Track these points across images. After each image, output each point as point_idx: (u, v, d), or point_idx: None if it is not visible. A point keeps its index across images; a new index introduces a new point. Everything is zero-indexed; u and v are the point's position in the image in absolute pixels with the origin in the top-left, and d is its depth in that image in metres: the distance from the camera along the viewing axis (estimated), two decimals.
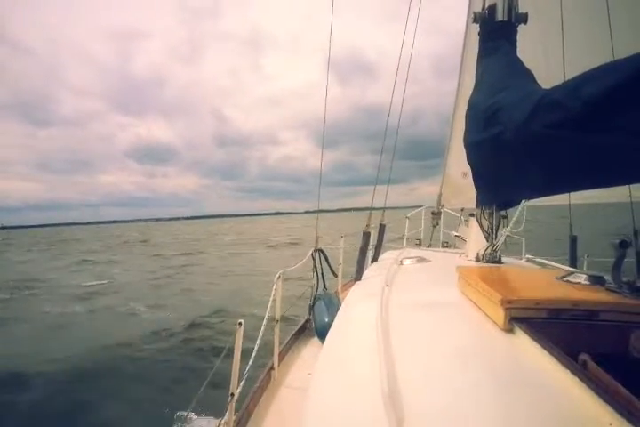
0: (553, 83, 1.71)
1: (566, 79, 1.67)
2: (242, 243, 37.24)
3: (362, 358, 1.32)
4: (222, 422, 1.95)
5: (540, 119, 1.49)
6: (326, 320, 3.42)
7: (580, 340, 1.18)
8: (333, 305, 3.62)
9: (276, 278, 2.80)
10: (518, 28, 2.62)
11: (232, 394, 1.96)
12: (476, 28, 2.81)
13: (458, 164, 5.03)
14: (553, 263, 2.85)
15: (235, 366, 1.97)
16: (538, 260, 3.09)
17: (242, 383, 2.10)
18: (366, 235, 3.21)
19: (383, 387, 1.01)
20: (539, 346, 1.12)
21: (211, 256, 25.98)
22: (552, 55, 2.97)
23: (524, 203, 2.04)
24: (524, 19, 2.61)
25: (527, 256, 3.31)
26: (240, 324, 2.01)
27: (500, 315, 1.33)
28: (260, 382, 2.71)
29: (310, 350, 3.51)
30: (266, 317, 2.40)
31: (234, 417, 2.02)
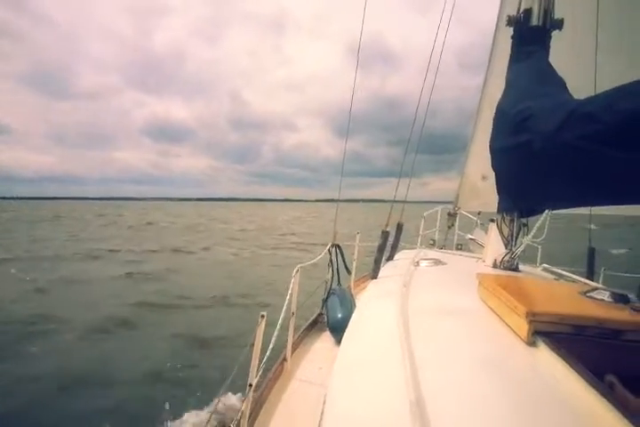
0: (583, 93, 1.69)
1: (597, 91, 1.64)
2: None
3: (384, 361, 1.32)
4: (241, 410, 1.98)
5: (573, 130, 1.48)
6: (339, 315, 3.47)
7: (605, 359, 1.15)
8: (347, 301, 3.66)
9: (294, 272, 2.84)
10: (552, 34, 2.59)
11: (250, 385, 1.99)
12: (506, 30, 2.77)
13: (478, 166, 4.99)
14: (570, 275, 2.82)
15: (254, 358, 1.99)
16: (554, 270, 3.06)
17: (259, 374, 2.13)
18: (385, 234, 3.20)
19: (409, 394, 1.01)
20: (564, 362, 1.11)
21: None
22: (583, 65, 2.92)
23: (547, 212, 2.02)
24: (559, 25, 2.57)
25: (544, 265, 3.28)
26: (262, 316, 2.03)
27: (523, 327, 1.32)
28: (274, 372, 2.76)
29: (322, 343, 3.56)
30: (284, 310, 2.42)
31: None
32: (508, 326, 1.45)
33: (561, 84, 2.06)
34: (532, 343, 1.29)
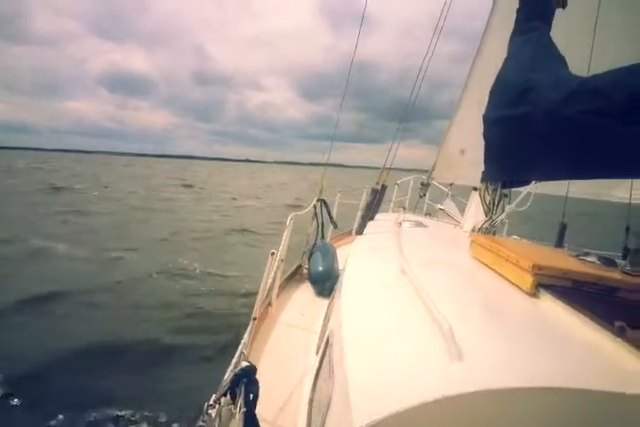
0: (576, 72, 1.76)
1: (589, 71, 1.69)
2: None
3: (396, 299, 1.38)
4: (243, 342, 2.07)
5: (577, 104, 1.55)
6: (321, 268, 3.60)
7: (606, 312, 1.19)
8: (330, 254, 3.78)
9: (288, 221, 2.95)
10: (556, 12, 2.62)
11: (254, 318, 2.06)
12: (503, 4, 2.78)
13: (457, 140, 5.08)
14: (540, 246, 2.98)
15: (261, 293, 2.05)
16: (525, 241, 3.23)
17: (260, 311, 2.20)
18: (374, 191, 3.30)
19: (442, 324, 1.05)
20: (571, 309, 1.18)
21: None
22: (580, 46, 3.00)
23: (533, 183, 2.12)
24: (564, 3, 2.62)
25: (514, 237, 3.46)
26: (272, 254, 2.08)
27: (526, 279, 1.39)
28: (260, 315, 2.87)
29: (302, 293, 3.72)
30: (277, 257, 2.50)
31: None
32: (507, 280, 1.53)
33: (563, 60, 2.13)
34: (534, 294, 1.38)
